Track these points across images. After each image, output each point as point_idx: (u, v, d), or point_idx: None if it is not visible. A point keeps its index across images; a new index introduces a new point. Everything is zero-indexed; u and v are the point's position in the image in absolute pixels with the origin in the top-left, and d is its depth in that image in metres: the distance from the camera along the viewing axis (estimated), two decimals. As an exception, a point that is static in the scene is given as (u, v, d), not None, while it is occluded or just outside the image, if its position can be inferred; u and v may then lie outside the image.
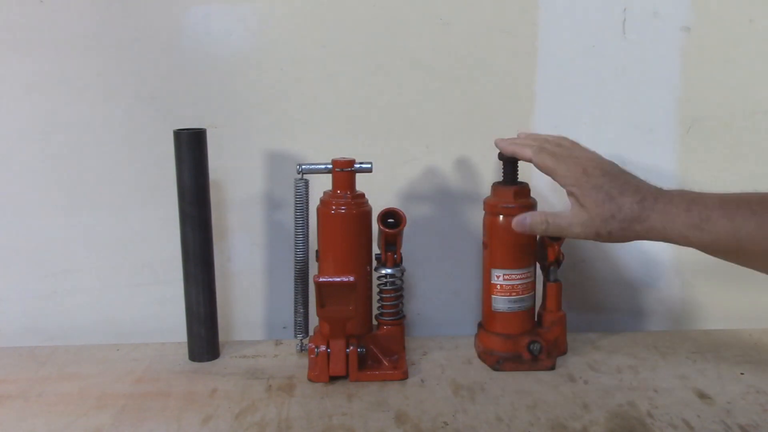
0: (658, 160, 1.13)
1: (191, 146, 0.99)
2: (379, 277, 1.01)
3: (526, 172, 1.07)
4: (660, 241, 0.80)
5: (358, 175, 0.98)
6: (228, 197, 1.11)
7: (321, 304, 0.90)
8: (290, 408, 0.90)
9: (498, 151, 1.00)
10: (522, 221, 0.88)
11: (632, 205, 0.79)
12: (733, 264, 0.78)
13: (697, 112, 1.12)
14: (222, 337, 1.07)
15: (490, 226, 1.00)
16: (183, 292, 1.03)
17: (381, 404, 0.91)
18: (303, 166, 0.98)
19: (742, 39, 1.11)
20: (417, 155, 1.12)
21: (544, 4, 1.08)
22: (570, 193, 0.83)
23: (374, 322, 1.02)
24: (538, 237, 1.01)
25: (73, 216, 1.10)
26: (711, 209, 0.76)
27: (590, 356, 1.04)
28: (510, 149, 0.92)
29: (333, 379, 0.96)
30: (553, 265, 1.02)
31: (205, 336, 1.03)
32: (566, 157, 0.85)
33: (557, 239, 1.00)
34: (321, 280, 0.88)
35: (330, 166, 0.97)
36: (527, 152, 0.88)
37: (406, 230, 0.99)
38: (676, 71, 1.11)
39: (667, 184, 1.11)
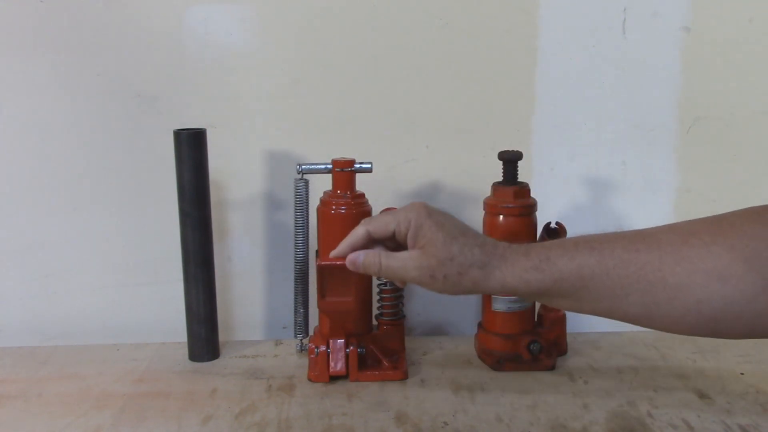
0: (658, 160, 1.13)
1: (191, 146, 0.99)
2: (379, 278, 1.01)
3: (527, 172, 1.07)
4: (495, 294, 0.75)
5: (358, 175, 0.98)
6: (228, 197, 1.11)
7: (322, 293, 0.89)
8: (290, 408, 0.90)
9: (498, 151, 1.00)
10: (355, 260, 0.81)
11: (473, 248, 0.75)
12: None
13: (697, 112, 1.12)
14: (222, 337, 1.07)
15: (490, 226, 1.00)
16: (183, 292, 1.03)
17: (381, 404, 0.91)
18: (303, 166, 0.98)
19: (742, 39, 1.10)
20: (417, 155, 1.12)
21: (544, 4, 1.08)
22: (408, 232, 0.77)
23: (374, 322, 1.02)
24: (538, 235, 1.01)
25: (72, 216, 1.10)
26: (550, 249, 0.74)
27: (590, 356, 1.04)
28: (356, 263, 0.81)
29: (333, 379, 0.96)
30: (553, 265, 1.01)
31: (205, 336, 1.03)
32: (402, 208, 0.80)
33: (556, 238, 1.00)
34: (323, 263, 0.87)
35: (330, 166, 0.97)
36: (360, 230, 0.81)
37: (406, 230, 0.99)
38: (676, 71, 1.11)
39: (667, 184, 1.13)
